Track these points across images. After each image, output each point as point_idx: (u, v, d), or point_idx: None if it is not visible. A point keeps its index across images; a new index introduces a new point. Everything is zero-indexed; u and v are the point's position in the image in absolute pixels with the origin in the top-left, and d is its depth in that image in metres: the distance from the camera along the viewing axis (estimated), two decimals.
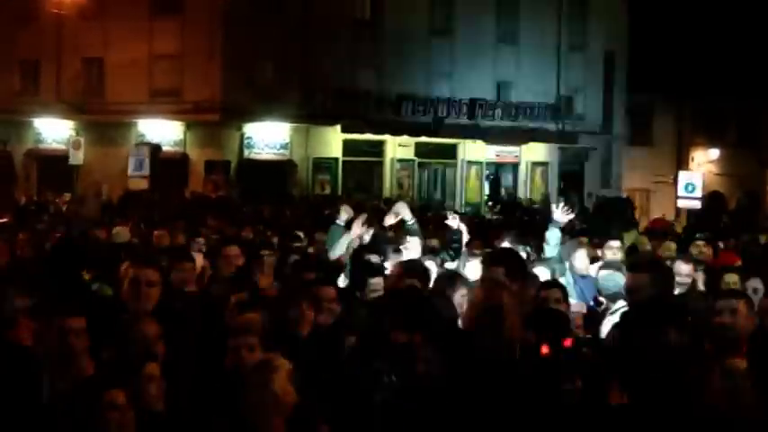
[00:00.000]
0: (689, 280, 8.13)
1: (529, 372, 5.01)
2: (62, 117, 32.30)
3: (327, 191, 30.88)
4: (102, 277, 7.60)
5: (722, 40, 35.66)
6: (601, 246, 10.57)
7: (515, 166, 36.14)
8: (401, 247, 8.81)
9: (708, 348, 5.43)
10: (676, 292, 7.24)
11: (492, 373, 5.10)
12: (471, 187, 34.77)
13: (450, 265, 8.68)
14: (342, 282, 7.80)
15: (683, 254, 10.32)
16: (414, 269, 6.82)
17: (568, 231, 10.99)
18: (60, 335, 4.69)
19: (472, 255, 8.54)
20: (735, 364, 4.64)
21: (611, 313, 6.71)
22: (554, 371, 5.05)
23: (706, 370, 4.63)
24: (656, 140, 39.04)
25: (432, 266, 7.80)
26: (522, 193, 35.31)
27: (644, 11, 35.40)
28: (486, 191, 35.40)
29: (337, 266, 8.39)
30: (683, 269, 8.12)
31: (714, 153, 39.84)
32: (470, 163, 34.73)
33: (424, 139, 32.74)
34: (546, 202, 33.82)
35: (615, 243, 10.00)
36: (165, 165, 28.26)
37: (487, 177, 35.55)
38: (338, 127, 31.21)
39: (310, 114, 30.39)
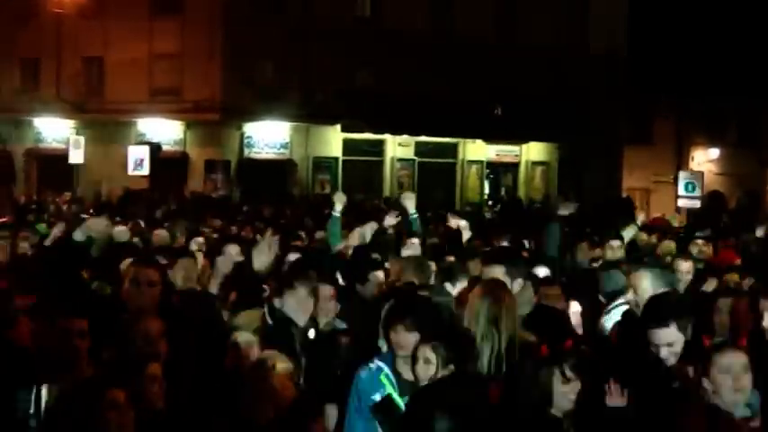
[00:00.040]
0: (689, 277, 8.16)
1: (528, 373, 5.02)
2: (62, 116, 32.29)
3: (327, 190, 30.87)
4: (102, 276, 7.60)
5: (722, 40, 35.65)
6: (601, 245, 10.57)
7: (515, 166, 36.17)
8: (403, 247, 8.83)
9: (707, 345, 5.43)
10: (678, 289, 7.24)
11: (491, 372, 5.11)
12: (471, 186, 34.79)
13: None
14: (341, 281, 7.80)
15: (683, 252, 10.35)
16: (413, 266, 6.83)
17: (570, 227, 10.98)
18: (63, 336, 4.69)
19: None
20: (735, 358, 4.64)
21: (610, 311, 6.71)
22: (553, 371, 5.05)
23: (704, 368, 4.62)
24: (656, 140, 39.03)
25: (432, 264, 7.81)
26: (522, 192, 35.31)
27: (644, 11, 35.38)
28: (487, 190, 35.42)
29: (339, 258, 8.41)
30: (683, 267, 8.14)
31: (714, 152, 39.83)
32: (470, 162, 34.75)
33: (423, 138, 32.75)
34: (546, 202, 33.87)
35: (615, 242, 10.01)
36: (164, 164, 28.26)
37: (487, 177, 35.58)
38: (338, 126, 31.22)
39: (310, 114, 30.40)
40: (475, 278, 6.65)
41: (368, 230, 8.80)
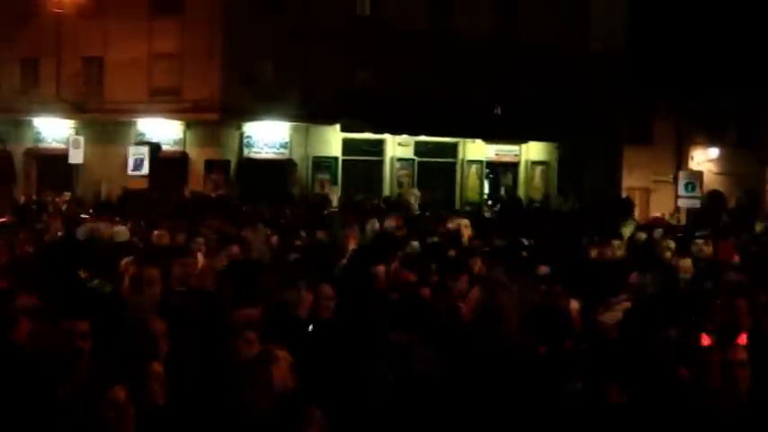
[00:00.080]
0: (689, 275, 8.19)
1: (528, 372, 5.01)
2: (62, 116, 32.29)
3: (327, 190, 30.87)
4: (101, 275, 7.60)
5: (722, 39, 35.64)
6: (601, 245, 10.60)
7: (515, 166, 36.17)
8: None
9: (707, 344, 5.44)
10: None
11: (491, 373, 5.10)
12: (471, 186, 34.78)
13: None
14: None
15: (683, 251, 10.37)
16: (412, 264, 6.85)
17: (571, 225, 11.02)
18: (66, 337, 4.69)
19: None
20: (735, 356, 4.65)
21: (610, 309, 6.72)
22: (554, 371, 5.06)
23: (706, 365, 4.63)
24: (655, 139, 39.02)
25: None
26: (522, 192, 35.32)
27: (643, 10, 35.38)
28: (486, 190, 35.42)
29: (340, 250, 8.45)
30: (683, 265, 8.17)
31: (714, 152, 39.82)
32: (470, 162, 34.75)
33: (423, 138, 32.74)
34: (546, 201, 33.90)
35: (616, 242, 10.05)
36: (164, 164, 28.26)
37: (487, 176, 35.59)
38: (338, 126, 31.21)
39: (310, 113, 30.39)
40: (476, 276, 6.66)
41: (369, 228, 8.87)
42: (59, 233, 12.46)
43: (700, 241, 12.05)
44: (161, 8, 30.63)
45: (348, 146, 32.09)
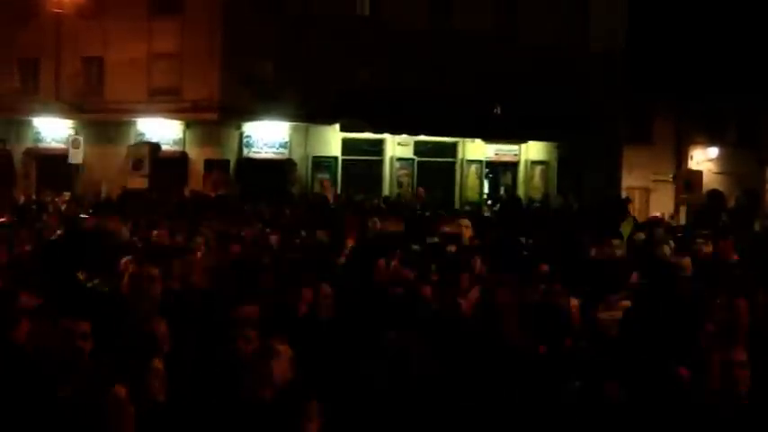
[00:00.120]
0: (689, 274, 8.21)
1: (528, 370, 5.01)
2: (61, 116, 32.27)
3: (328, 192, 30.81)
4: (101, 275, 7.60)
5: (721, 39, 35.64)
6: (602, 244, 10.60)
7: (515, 165, 36.16)
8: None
9: (707, 342, 5.44)
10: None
11: (490, 371, 5.10)
12: (471, 186, 34.78)
13: None
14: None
15: (683, 250, 10.38)
16: (412, 262, 6.86)
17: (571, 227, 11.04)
18: (66, 337, 4.69)
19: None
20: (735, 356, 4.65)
21: (609, 307, 6.73)
22: (553, 370, 5.05)
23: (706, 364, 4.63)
24: (655, 139, 39.03)
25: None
26: (522, 191, 35.30)
27: (643, 10, 35.36)
28: (486, 189, 35.42)
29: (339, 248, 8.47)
30: (682, 264, 8.19)
31: (713, 152, 39.83)
32: (470, 162, 34.74)
33: (423, 137, 32.74)
34: (546, 201, 33.88)
35: (616, 241, 10.06)
36: (164, 164, 28.23)
37: (487, 176, 35.58)
38: (337, 126, 31.20)
39: (309, 113, 30.38)
40: (476, 276, 6.67)
41: (370, 226, 8.91)
42: (58, 231, 12.45)
43: (700, 240, 12.05)
44: (160, 8, 30.62)
45: (348, 146, 32.08)
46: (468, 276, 7.55)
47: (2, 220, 15.77)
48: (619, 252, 9.67)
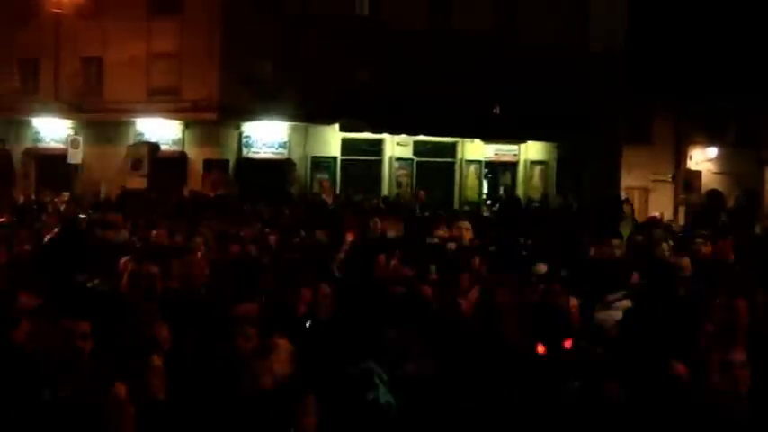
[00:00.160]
0: (688, 274, 8.21)
1: (527, 370, 5.01)
2: (60, 116, 32.28)
3: (327, 194, 30.79)
4: (100, 274, 7.60)
5: (721, 39, 35.65)
6: (602, 244, 10.60)
7: (514, 165, 36.17)
8: None
9: (706, 342, 5.44)
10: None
11: (490, 371, 5.10)
12: (470, 186, 34.79)
13: None
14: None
15: (682, 250, 10.38)
16: (411, 260, 6.86)
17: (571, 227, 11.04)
18: (66, 337, 4.69)
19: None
20: (735, 356, 4.65)
21: (609, 307, 6.72)
22: (553, 370, 5.05)
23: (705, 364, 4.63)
24: (654, 139, 39.05)
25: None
26: (521, 191, 35.31)
27: (643, 10, 35.37)
28: (485, 189, 35.43)
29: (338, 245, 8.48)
30: (682, 264, 8.19)
31: (713, 152, 39.86)
32: (469, 162, 34.74)
33: (422, 137, 32.74)
34: (545, 201, 33.88)
35: (616, 241, 10.06)
36: (163, 164, 28.22)
37: (486, 176, 35.60)
38: (336, 126, 31.20)
39: (308, 113, 30.38)
40: (476, 276, 6.67)
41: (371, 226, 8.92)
42: (55, 230, 12.45)
43: (699, 240, 12.05)
44: (160, 8, 30.62)
45: (347, 146, 32.08)
46: (468, 276, 7.55)
47: (1, 220, 15.77)
48: (618, 252, 9.66)
